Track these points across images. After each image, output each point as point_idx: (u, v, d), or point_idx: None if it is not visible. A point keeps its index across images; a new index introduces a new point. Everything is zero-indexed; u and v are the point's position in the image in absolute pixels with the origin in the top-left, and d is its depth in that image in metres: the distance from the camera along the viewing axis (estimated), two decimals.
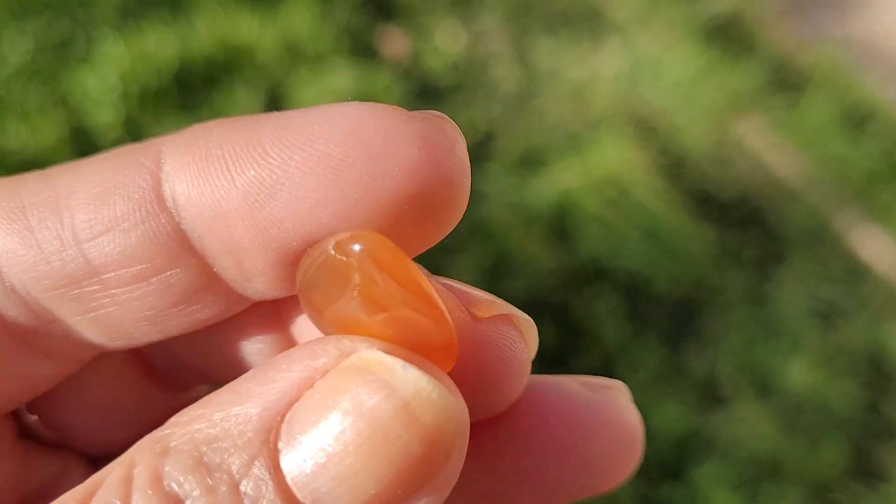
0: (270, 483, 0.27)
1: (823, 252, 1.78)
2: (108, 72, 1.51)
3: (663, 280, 1.63)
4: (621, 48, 1.95)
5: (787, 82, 2.04)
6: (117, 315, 0.33)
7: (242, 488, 0.27)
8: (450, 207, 0.31)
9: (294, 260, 0.32)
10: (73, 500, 0.28)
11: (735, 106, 1.94)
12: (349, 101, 0.31)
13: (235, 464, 0.27)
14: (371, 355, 0.28)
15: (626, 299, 1.59)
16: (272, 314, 0.37)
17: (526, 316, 0.34)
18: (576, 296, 1.57)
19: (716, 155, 1.86)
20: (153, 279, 0.32)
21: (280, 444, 0.27)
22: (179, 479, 0.27)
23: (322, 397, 0.28)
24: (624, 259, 1.63)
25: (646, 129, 1.84)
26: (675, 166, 1.81)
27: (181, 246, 0.32)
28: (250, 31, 1.65)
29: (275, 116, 0.31)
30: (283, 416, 0.28)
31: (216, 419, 0.28)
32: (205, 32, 1.62)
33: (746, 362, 1.58)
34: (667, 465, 1.44)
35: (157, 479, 0.27)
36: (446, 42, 1.84)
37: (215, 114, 1.46)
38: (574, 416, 0.37)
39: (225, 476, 0.27)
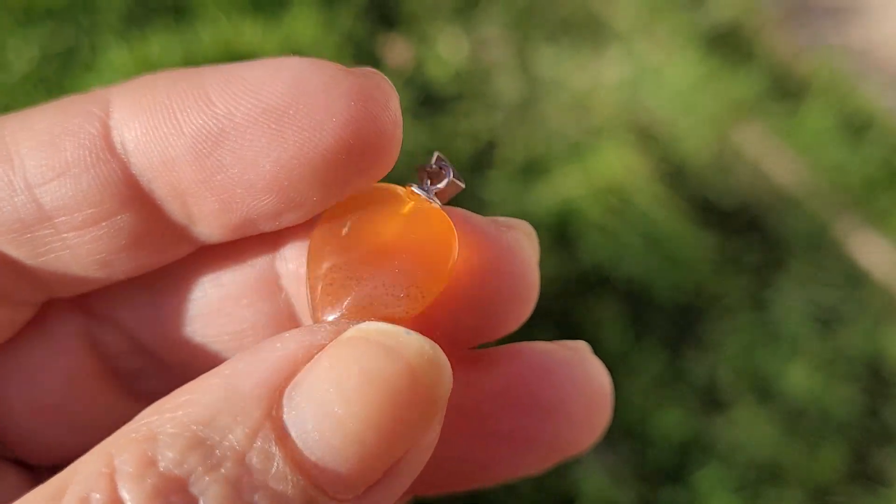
0: (278, 453, 0.27)
1: (823, 258, 1.79)
2: (112, 79, 1.51)
3: (664, 286, 1.63)
4: (622, 57, 1.96)
5: (786, 90, 2.05)
6: (68, 259, 0.34)
7: (248, 461, 0.27)
8: (383, 154, 0.33)
9: (238, 207, 0.33)
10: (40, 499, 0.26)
11: (735, 114, 1.94)
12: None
13: (238, 438, 0.27)
14: (371, 325, 0.29)
15: (627, 305, 1.60)
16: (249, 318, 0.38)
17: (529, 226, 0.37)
18: (578, 302, 1.57)
19: (716, 162, 1.87)
20: (103, 223, 0.33)
21: (284, 416, 0.28)
22: (177, 460, 0.26)
23: (327, 366, 0.28)
24: (625, 266, 1.63)
25: (647, 136, 1.85)
26: (675, 174, 1.82)
27: (131, 190, 0.33)
28: (254, 38, 1.65)
29: (218, 69, 0.32)
30: (282, 391, 0.28)
31: (206, 402, 0.28)
32: (209, 40, 1.62)
33: (747, 367, 1.58)
34: (668, 468, 1.44)
35: (149, 464, 0.26)
36: (449, 51, 1.84)
37: None
38: (555, 373, 0.38)
39: (228, 452, 0.27)
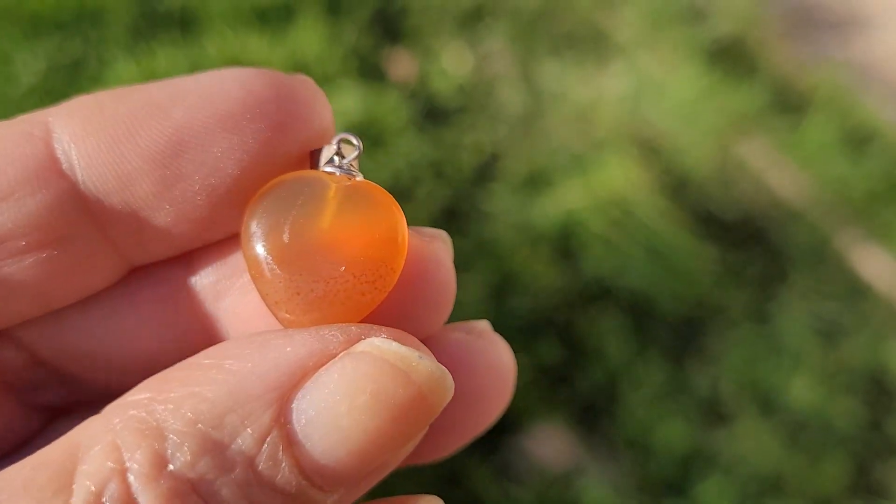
0: (285, 460, 0.27)
1: (825, 271, 1.79)
2: None
3: (667, 298, 1.63)
4: (625, 70, 1.97)
5: (788, 104, 2.06)
6: (1, 290, 0.33)
7: (257, 465, 0.27)
8: (317, 132, 0.35)
9: (195, 216, 0.33)
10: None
11: (737, 127, 1.95)
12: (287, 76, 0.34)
13: (247, 442, 0.27)
14: (384, 344, 0.30)
15: (630, 317, 1.60)
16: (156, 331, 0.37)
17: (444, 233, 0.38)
18: (580, 314, 1.57)
19: (718, 175, 1.88)
20: (45, 248, 0.32)
21: (294, 423, 0.28)
22: (190, 462, 0.26)
23: (340, 381, 0.28)
24: (628, 278, 1.63)
25: (649, 149, 1.85)
26: (678, 186, 1.82)
27: (79, 210, 0.32)
28: (259, 52, 1.66)
29: (165, 83, 0.33)
30: (289, 396, 0.28)
31: (213, 398, 0.27)
32: (215, 53, 1.63)
33: (749, 380, 1.58)
34: (670, 480, 1.44)
35: (161, 464, 0.26)
36: (453, 64, 1.85)
37: None
38: (469, 362, 0.38)
39: (238, 457, 0.27)
